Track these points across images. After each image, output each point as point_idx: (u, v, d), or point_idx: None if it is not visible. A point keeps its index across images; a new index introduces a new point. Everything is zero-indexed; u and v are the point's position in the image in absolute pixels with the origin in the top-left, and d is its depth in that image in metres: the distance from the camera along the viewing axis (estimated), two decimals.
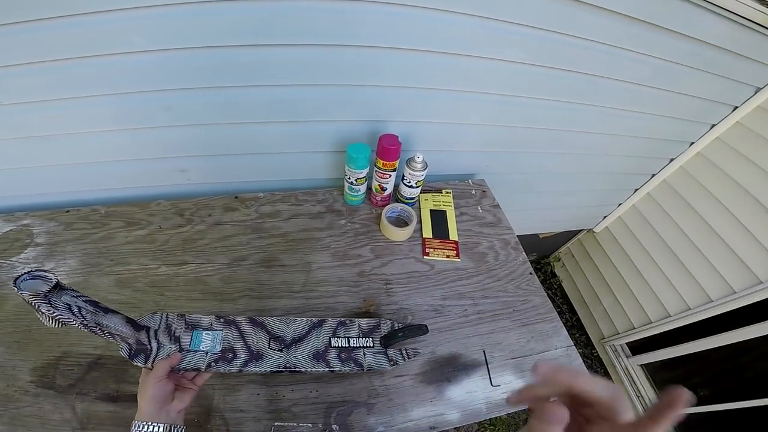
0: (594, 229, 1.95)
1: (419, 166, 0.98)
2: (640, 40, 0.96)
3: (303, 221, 1.06)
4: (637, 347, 1.87)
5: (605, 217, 1.87)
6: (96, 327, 0.59)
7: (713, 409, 1.56)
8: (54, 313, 0.56)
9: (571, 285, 2.20)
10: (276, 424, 0.72)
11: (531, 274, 1.03)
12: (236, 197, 1.10)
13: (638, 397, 1.85)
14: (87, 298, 0.59)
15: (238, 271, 0.93)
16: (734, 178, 1.34)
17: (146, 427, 0.51)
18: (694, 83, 1.14)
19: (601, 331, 1.99)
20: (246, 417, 0.73)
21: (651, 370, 1.86)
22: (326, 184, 1.17)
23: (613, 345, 1.95)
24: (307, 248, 1.00)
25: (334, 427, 0.73)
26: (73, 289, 0.58)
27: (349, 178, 1.01)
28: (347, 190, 1.06)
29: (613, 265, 1.87)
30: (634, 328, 1.77)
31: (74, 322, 0.57)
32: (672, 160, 1.51)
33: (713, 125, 1.35)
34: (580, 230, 2.05)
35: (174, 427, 0.53)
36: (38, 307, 0.55)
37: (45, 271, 0.55)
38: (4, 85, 0.81)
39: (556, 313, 0.96)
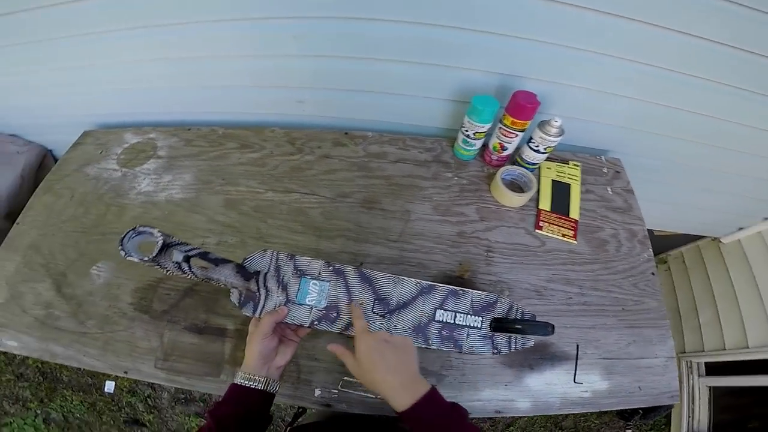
0: (722, 239, 1.67)
1: (555, 131, 0.85)
2: None
3: (408, 167, 1.01)
4: (713, 369, 1.73)
5: (741, 228, 1.58)
6: (207, 279, 0.59)
7: None
8: (165, 270, 0.57)
9: (670, 291, 1.97)
10: (345, 378, 0.71)
11: (653, 274, 0.89)
12: (346, 133, 1.08)
13: (689, 417, 1.75)
14: (197, 249, 0.58)
15: (339, 207, 0.92)
16: None
17: (247, 382, 0.54)
18: None
19: (685, 344, 1.81)
20: (319, 367, 0.73)
21: (716, 393, 1.73)
22: (436, 132, 1.10)
23: (690, 361, 1.79)
24: (408, 195, 0.95)
25: None
26: (181, 242, 0.57)
27: (467, 131, 0.92)
28: (460, 143, 0.97)
29: (730, 282, 1.63)
30: (724, 350, 1.59)
31: (187, 276, 0.57)
32: None
33: None
34: (703, 236, 1.77)
35: (270, 382, 0.55)
36: (148, 265, 0.55)
37: (150, 227, 0.55)
38: (149, 5, 0.84)
39: (668, 321, 0.83)
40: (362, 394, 0.70)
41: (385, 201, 0.94)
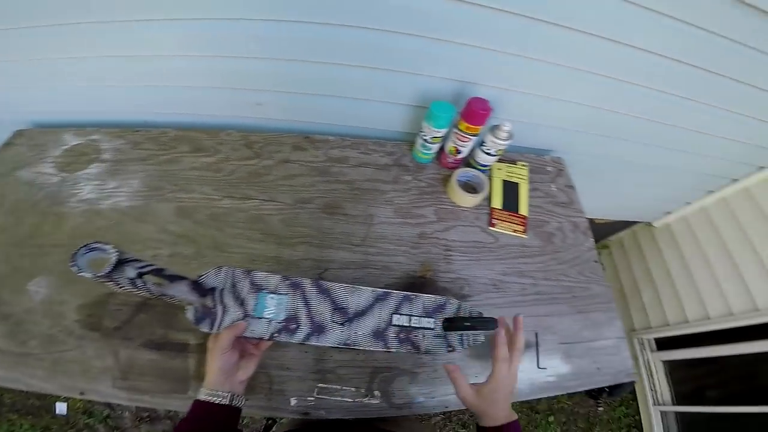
0: (653, 223, 1.85)
1: (505, 135, 0.91)
2: None
3: (370, 171, 1.02)
4: (663, 343, 1.87)
5: (669, 213, 1.76)
6: (162, 296, 0.57)
7: (717, 411, 1.60)
8: (118, 287, 0.54)
9: (613, 274, 2.13)
10: (319, 385, 0.72)
11: (596, 261, 0.98)
12: (306, 137, 1.06)
13: (652, 390, 1.88)
14: (151, 266, 0.56)
15: (300, 213, 0.92)
16: None
17: (211, 398, 0.53)
18: None
19: (634, 323, 1.96)
20: (291, 376, 0.72)
21: (670, 366, 1.87)
22: (396, 136, 1.11)
23: (641, 338, 1.93)
24: (370, 199, 0.97)
25: (376, 392, 0.73)
26: (136, 259, 0.55)
27: (425, 135, 0.95)
28: (419, 147, 1.00)
29: (664, 261, 1.79)
30: (669, 325, 1.74)
31: (140, 293, 0.55)
32: (762, 168, 1.36)
33: None
34: (638, 222, 1.94)
35: (235, 396, 0.55)
36: (101, 283, 0.53)
37: (104, 243, 0.52)
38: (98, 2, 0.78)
39: (614, 304, 0.92)
40: (339, 399, 0.71)
41: (347, 206, 0.95)
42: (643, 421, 1.90)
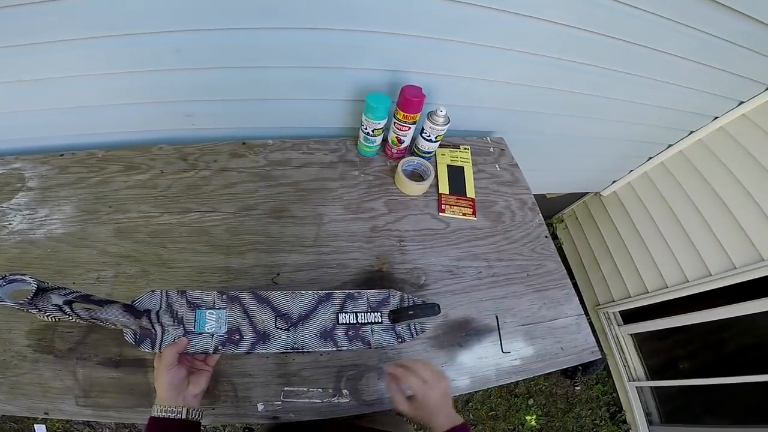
0: (601, 193, 1.93)
1: (441, 120, 0.92)
2: (692, 13, 0.89)
3: (314, 170, 1.01)
4: (629, 316, 1.88)
5: (615, 181, 1.84)
6: (95, 321, 0.56)
7: (690, 383, 1.62)
8: (46, 314, 0.53)
9: (572, 248, 2.19)
10: (285, 389, 0.72)
11: (546, 237, 1.01)
12: (244, 143, 1.04)
13: (625, 366, 1.90)
14: (78, 293, 0.56)
15: (245, 221, 0.89)
16: (756, 156, 1.29)
17: (165, 414, 0.52)
18: (740, 61, 1.07)
19: (597, 297, 2.01)
20: (255, 382, 0.72)
21: (639, 339, 1.89)
22: (339, 133, 1.11)
23: (607, 312, 1.97)
24: (318, 199, 0.96)
25: (344, 391, 0.73)
26: (59, 287, 0.55)
27: (366, 128, 0.95)
28: (362, 141, 1.00)
29: (617, 231, 1.86)
30: (630, 297, 1.78)
31: (71, 319, 0.55)
32: (692, 132, 1.46)
33: (742, 102, 1.29)
34: (587, 192, 2.03)
35: (190, 410, 0.54)
36: (27, 311, 0.52)
37: (21, 274, 0.52)
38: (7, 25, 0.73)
39: (569, 280, 0.94)
40: (308, 401, 0.71)
41: (295, 208, 0.93)
42: (621, 399, 1.92)
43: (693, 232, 1.50)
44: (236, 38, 0.81)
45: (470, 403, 1.86)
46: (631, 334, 1.90)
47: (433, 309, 0.66)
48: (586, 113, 1.22)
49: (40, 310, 0.53)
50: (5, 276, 0.52)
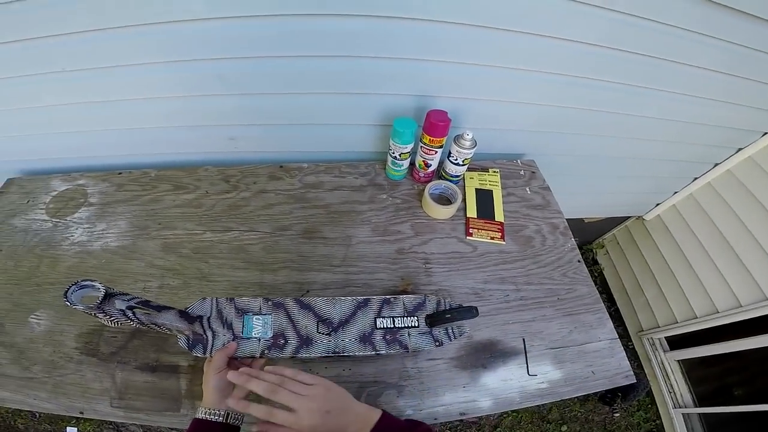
0: (644, 217, 1.84)
1: (468, 143, 0.93)
2: (724, 26, 0.86)
3: (345, 193, 1.05)
4: (676, 342, 1.80)
5: (658, 204, 1.76)
6: (152, 325, 0.61)
7: (746, 410, 1.51)
8: (111, 318, 0.58)
9: (613, 274, 2.11)
10: None
11: (579, 261, 0.98)
12: (281, 166, 1.10)
13: (670, 393, 1.80)
14: (139, 299, 0.60)
15: (280, 241, 0.94)
16: None
17: (207, 416, 0.56)
18: None
19: (641, 323, 1.92)
20: None
21: (687, 366, 1.80)
22: (369, 157, 1.15)
23: (651, 338, 1.87)
24: (348, 221, 0.99)
25: None
26: (123, 293, 0.59)
27: (393, 153, 0.98)
28: (390, 165, 1.03)
29: (662, 255, 1.77)
30: (677, 323, 1.69)
31: (132, 323, 0.60)
32: (740, 149, 1.38)
33: None
34: (629, 217, 1.94)
35: (231, 415, 0.57)
36: (94, 315, 0.57)
37: (92, 280, 0.57)
38: (68, 51, 0.83)
39: (602, 304, 0.91)
40: None
41: (326, 229, 0.97)
42: (664, 425, 1.82)
43: (745, 255, 1.40)
44: (273, 65, 0.86)
45: (498, 429, 1.80)
46: (678, 360, 1.80)
47: (471, 312, 0.68)
48: (620, 133, 1.19)
49: (106, 314, 0.57)
50: (78, 282, 0.57)
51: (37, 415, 1.74)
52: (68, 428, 1.72)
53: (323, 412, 0.49)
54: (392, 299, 0.73)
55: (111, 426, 1.73)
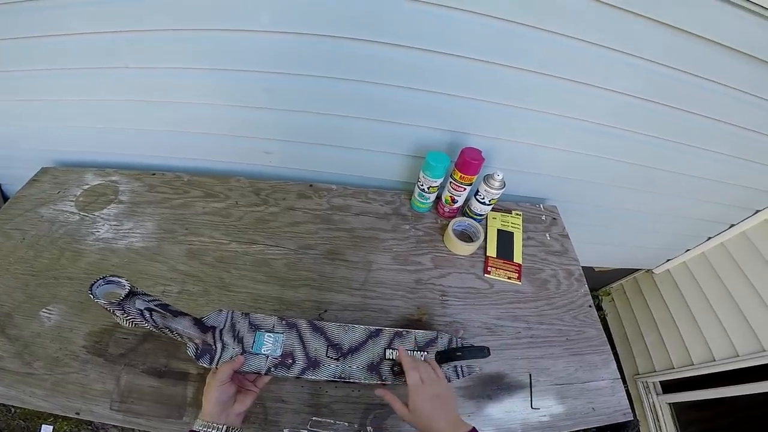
0: (654, 270, 1.85)
1: (497, 184, 0.96)
2: (765, 84, 0.88)
3: (370, 220, 1.07)
4: (669, 386, 1.82)
5: (669, 260, 1.77)
6: (165, 329, 0.62)
7: None
8: (128, 317, 0.60)
9: (616, 320, 2.12)
10: (313, 419, 0.73)
11: (590, 307, 0.99)
12: (311, 185, 1.13)
13: None
14: (158, 302, 0.62)
15: (303, 259, 0.96)
16: None
17: (205, 428, 0.55)
18: None
19: (638, 367, 1.93)
20: (286, 408, 0.74)
21: (677, 408, 1.81)
22: (395, 186, 1.17)
23: (646, 381, 1.90)
24: (370, 247, 1.01)
25: (369, 428, 0.74)
26: (145, 293, 0.61)
27: (422, 185, 1.00)
28: (416, 196, 1.05)
29: (666, 307, 1.79)
30: (673, 368, 1.71)
31: (146, 325, 0.61)
32: (757, 212, 1.39)
33: None
34: (638, 269, 1.95)
35: (231, 429, 0.57)
36: (113, 311, 0.58)
37: (119, 277, 0.59)
38: (136, 48, 0.86)
39: (609, 346, 0.93)
40: None
41: (348, 252, 0.99)
42: None
43: (748, 311, 1.42)
44: (318, 85, 0.89)
45: None
46: (669, 403, 1.82)
47: (482, 351, 0.68)
48: (646, 186, 1.20)
49: (125, 312, 0.58)
50: (104, 276, 0.59)
51: (12, 410, 1.69)
52: (43, 426, 1.66)
53: (435, 395, 0.58)
54: (404, 332, 0.74)
55: (89, 427, 1.68)
